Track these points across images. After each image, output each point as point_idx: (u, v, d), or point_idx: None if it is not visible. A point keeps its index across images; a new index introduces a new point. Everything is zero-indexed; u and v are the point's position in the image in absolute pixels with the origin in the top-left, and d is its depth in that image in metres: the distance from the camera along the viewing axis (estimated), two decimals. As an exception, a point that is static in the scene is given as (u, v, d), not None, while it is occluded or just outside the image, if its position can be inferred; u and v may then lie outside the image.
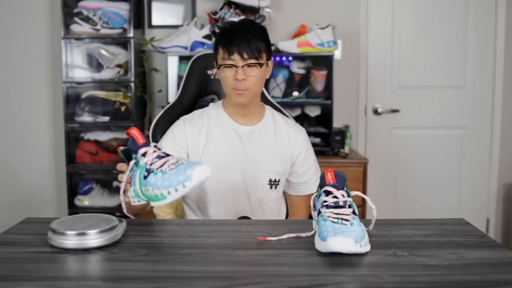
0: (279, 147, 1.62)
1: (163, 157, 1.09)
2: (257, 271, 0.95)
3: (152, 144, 1.13)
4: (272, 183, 1.60)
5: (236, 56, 1.48)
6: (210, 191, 1.57)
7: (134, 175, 1.12)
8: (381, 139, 3.09)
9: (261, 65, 1.51)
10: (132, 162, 1.13)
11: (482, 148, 3.13)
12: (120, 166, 1.20)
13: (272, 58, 1.58)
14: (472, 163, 3.13)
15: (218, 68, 1.53)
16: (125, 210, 1.23)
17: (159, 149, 1.12)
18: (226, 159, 1.57)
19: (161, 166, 1.07)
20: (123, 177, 1.15)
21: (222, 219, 1.53)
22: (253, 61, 1.49)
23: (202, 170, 1.03)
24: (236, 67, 1.49)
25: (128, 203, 1.18)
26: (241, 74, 1.48)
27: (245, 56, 1.48)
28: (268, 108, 1.68)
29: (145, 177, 1.08)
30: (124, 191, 1.17)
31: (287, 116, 1.78)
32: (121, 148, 1.20)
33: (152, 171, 1.07)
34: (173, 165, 1.06)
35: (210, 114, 1.62)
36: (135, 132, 1.12)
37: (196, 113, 1.65)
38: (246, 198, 1.60)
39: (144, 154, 1.10)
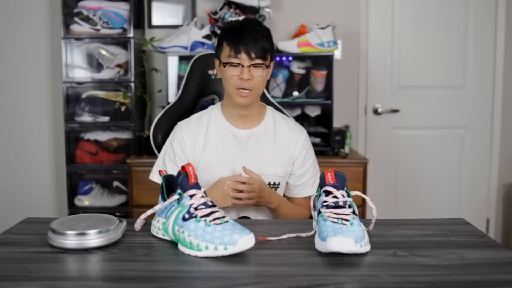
0: (278, 150, 1.59)
1: (209, 206, 1.06)
2: (257, 271, 0.95)
3: (203, 189, 1.09)
4: (272, 186, 1.58)
5: (243, 55, 1.47)
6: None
7: (170, 210, 1.08)
8: (381, 139, 3.09)
9: (267, 66, 1.50)
10: (175, 197, 1.08)
11: (482, 148, 3.13)
12: None
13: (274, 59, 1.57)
14: (472, 163, 3.13)
15: (223, 65, 1.50)
16: (138, 227, 1.18)
17: (207, 196, 1.09)
18: (224, 164, 1.55)
19: (206, 215, 1.03)
20: (157, 206, 1.11)
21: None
22: (259, 61, 1.48)
23: (249, 240, 0.99)
24: (242, 66, 1.47)
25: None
26: (246, 74, 1.46)
27: (253, 55, 1.46)
28: (269, 109, 1.65)
29: (184, 219, 1.04)
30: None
31: (288, 116, 1.75)
32: (165, 173, 1.16)
33: (195, 217, 1.03)
34: (218, 220, 1.03)
35: (210, 117, 1.60)
36: (191, 169, 1.08)
37: (194, 117, 1.63)
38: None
39: (191, 196, 1.06)
